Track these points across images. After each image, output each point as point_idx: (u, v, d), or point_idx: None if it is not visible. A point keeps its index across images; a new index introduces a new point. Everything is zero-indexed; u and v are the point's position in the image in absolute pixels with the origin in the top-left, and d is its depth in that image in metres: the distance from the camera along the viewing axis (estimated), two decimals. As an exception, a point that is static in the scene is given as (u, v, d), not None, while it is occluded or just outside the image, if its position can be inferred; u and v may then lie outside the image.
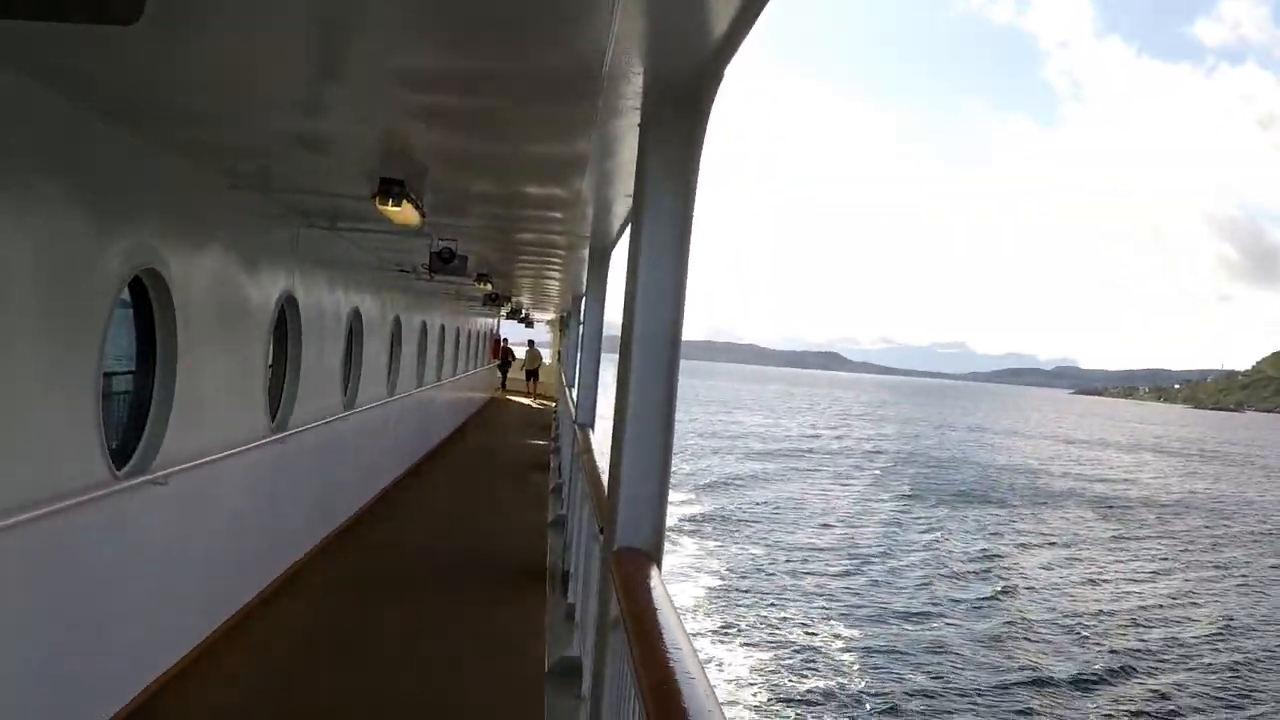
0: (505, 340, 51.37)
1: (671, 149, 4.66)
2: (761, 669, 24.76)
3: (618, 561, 4.58)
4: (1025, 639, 29.86)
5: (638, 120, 5.15)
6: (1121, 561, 44.10)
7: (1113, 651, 29.25)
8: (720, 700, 2.96)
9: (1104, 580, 39.59)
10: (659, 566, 4.52)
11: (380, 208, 7.96)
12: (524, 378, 49.85)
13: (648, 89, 4.75)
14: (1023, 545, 45.99)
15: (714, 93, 4.54)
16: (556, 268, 17.72)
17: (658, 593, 3.99)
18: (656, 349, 4.64)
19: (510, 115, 6.04)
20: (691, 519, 43.46)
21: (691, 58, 4.28)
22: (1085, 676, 26.65)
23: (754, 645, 26.50)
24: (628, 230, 10.45)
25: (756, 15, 3.70)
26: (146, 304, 7.83)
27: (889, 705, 23.30)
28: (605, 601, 4.91)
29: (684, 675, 3.06)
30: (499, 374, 50.32)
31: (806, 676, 24.65)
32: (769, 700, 22.89)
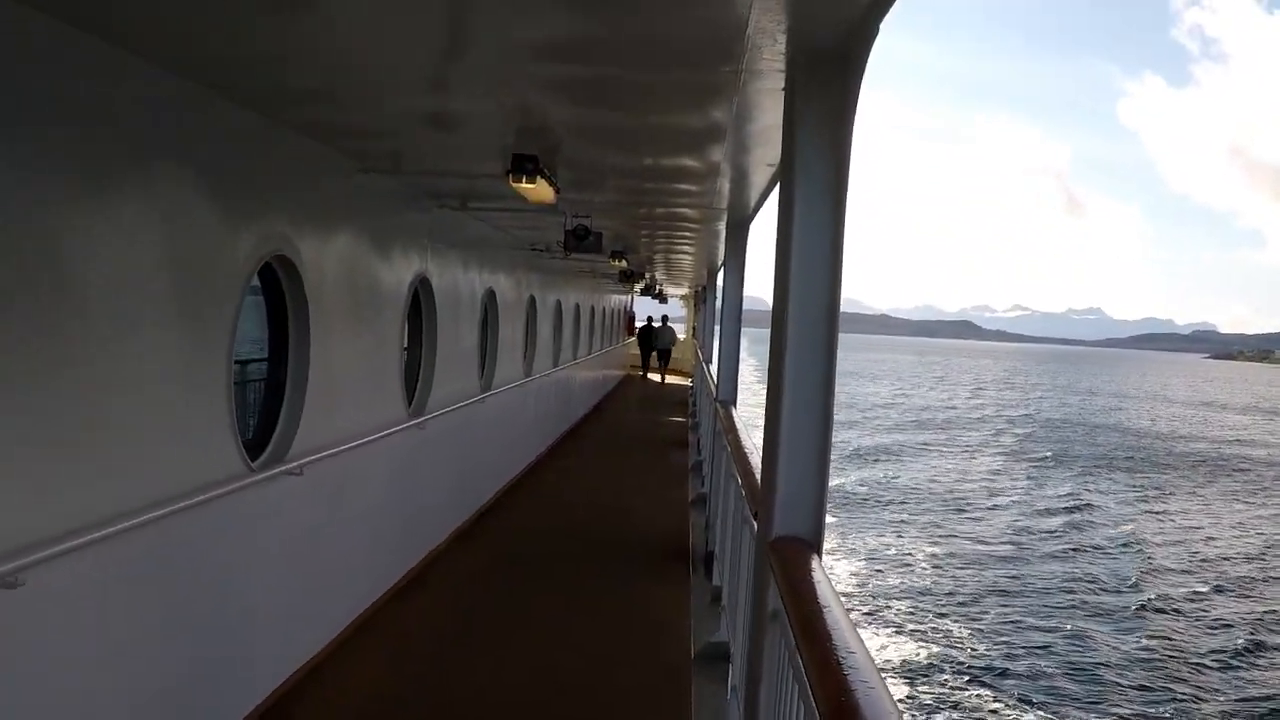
0: (652, 319, 44.38)
1: (822, 113, 4.31)
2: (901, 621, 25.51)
3: (775, 551, 4.31)
4: (1161, 581, 31.18)
5: (781, 84, 4.85)
6: (1244, 512, 45.68)
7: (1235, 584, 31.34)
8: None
9: (1227, 531, 40.81)
10: (820, 556, 4.24)
11: (514, 185, 7.79)
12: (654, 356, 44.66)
13: (794, 50, 4.43)
14: (1156, 500, 47.75)
15: (867, 51, 4.17)
16: (691, 241, 17.45)
17: (823, 589, 3.72)
18: (813, 325, 4.31)
19: (647, 85, 5.78)
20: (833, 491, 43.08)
21: (842, 15, 3.96)
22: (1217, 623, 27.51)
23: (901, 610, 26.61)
24: (768, 201, 10.19)
25: None
26: (278, 290, 7.76)
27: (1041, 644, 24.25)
28: (761, 592, 4.64)
29: (862, 685, 2.81)
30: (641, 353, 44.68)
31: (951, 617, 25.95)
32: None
